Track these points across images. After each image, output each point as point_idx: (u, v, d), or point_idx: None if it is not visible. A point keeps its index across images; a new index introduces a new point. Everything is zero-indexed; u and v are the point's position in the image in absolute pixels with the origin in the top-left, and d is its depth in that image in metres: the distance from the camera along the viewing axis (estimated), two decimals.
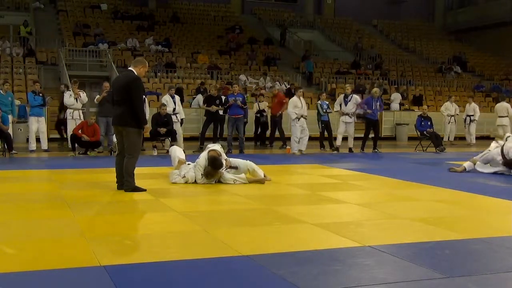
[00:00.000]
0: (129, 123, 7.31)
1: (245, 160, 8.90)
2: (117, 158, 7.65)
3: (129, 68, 7.61)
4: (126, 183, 7.35)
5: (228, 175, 8.34)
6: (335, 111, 15.26)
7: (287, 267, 3.90)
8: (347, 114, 14.67)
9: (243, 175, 8.50)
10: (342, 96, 15.17)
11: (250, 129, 17.54)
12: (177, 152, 9.05)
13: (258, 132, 17.48)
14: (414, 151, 15.77)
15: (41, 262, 3.97)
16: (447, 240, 4.82)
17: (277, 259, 4.10)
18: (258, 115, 17.01)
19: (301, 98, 14.27)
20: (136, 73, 7.43)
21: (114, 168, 7.60)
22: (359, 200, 6.95)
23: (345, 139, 15.06)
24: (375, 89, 15.59)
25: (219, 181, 8.28)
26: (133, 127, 7.33)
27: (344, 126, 14.78)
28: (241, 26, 30.56)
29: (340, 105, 14.86)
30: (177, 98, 14.61)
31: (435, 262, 4.09)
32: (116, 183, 7.57)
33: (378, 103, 14.95)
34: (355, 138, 15.10)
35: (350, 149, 14.84)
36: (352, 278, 3.78)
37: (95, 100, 14.10)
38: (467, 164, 10.36)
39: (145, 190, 7.33)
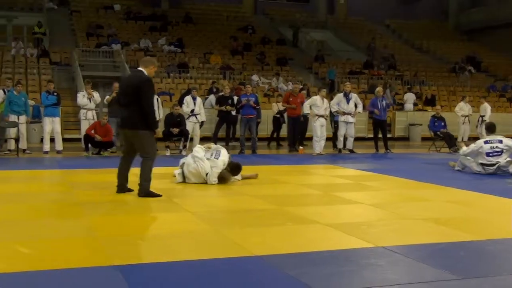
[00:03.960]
0: (140, 126, 6.88)
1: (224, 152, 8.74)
2: (121, 160, 7.23)
3: (139, 68, 7.19)
4: (140, 187, 6.93)
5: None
6: (333, 112, 14.61)
7: (299, 267, 3.90)
8: (348, 113, 14.34)
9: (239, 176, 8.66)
10: (340, 95, 14.71)
11: (263, 129, 17.52)
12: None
13: (274, 133, 17.35)
14: (427, 152, 15.69)
15: (54, 262, 3.99)
16: (461, 241, 4.79)
17: (289, 260, 4.10)
18: (278, 115, 16.89)
19: (324, 99, 14.09)
20: (146, 74, 7.06)
21: (135, 169, 7.28)
22: (372, 201, 6.93)
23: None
24: (378, 89, 15.50)
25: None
26: (144, 130, 6.90)
27: (345, 127, 14.38)
28: (254, 26, 30.58)
29: (338, 104, 14.35)
30: (198, 100, 14.53)
31: (449, 263, 4.06)
32: (117, 186, 7.16)
33: (384, 102, 14.86)
34: (367, 139, 15.02)
35: (351, 150, 14.54)
36: (365, 279, 3.76)
37: (105, 100, 14.15)
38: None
39: (160, 195, 6.94)
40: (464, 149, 10.47)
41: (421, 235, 5.05)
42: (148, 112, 6.88)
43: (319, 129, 13.80)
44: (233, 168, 8.44)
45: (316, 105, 13.85)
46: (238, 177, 8.60)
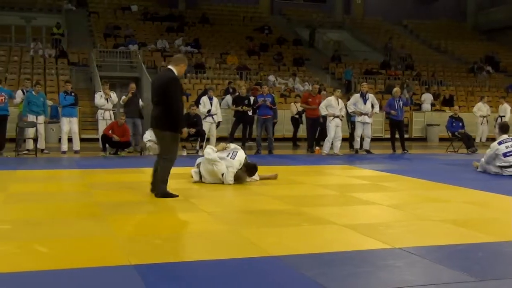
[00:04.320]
0: (164, 126, 6.88)
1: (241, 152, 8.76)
2: (156, 161, 7.23)
3: (169, 67, 7.13)
4: (157, 188, 6.96)
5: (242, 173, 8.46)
6: (350, 112, 14.57)
7: (316, 268, 3.89)
8: (365, 114, 14.28)
9: (256, 174, 8.63)
10: (357, 95, 14.63)
11: (279, 129, 17.49)
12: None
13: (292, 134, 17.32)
14: (445, 152, 15.58)
15: (72, 261, 4.02)
16: (479, 243, 4.74)
17: (306, 260, 4.09)
18: (297, 116, 16.83)
19: (339, 99, 14.02)
20: (176, 72, 6.98)
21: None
22: (389, 201, 6.89)
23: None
24: (395, 89, 15.40)
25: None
26: (168, 131, 6.87)
27: (362, 127, 14.35)
28: (270, 26, 30.58)
29: (355, 104, 14.33)
30: (215, 100, 14.56)
31: (467, 265, 4.03)
32: (151, 183, 7.18)
33: (401, 103, 14.77)
34: (384, 140, 14.95)
35: (368, 151, 14.49)
36: (382, 280, 3.74)
37: (121, 101, 14.23)
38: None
39: (177, 196, 6.93)
40: (482, 162, 10.29)
41: (439, 236, 5.02)
42: (172, 111, 6.83)
43: (333, 129, 13.75)
44: (249, 169, 8.46)
45: (331, 106, 13.79)
46: (256, 177, 8.60)
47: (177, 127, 6.92)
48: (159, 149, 7.23)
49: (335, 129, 13.75)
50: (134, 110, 14.11)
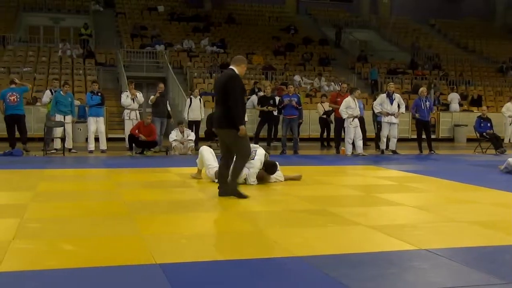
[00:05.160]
0: (226, 124, 6.85)
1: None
2: (221, 161, 7.23)
3: (230, 67, 7.15)
4: (228, 185, 6.94)
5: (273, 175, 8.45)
6: (377, 112, 14.49)
7: (340, 269, 3.87)
8: (392, 114, 14.15)
9: (280, 174, 8.58)
10: (383, 95, 14.50)
11: (304, 130, 17.44)
12: (205, 156, 8.62)
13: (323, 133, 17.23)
14: (473, 153, 15.39)
15: (98, 259, 4.06)
16: (507, 245, 4.68)
17: (330, 261, 4.07)
18: (325, 116, 16.78)
19: (355, 99, 13.96)
20: (237, 72, 7.00)
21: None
22: (415, 202, 6.83)
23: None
24: (422, 89, 15.24)
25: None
26: (229, 128, 6.84)
27: (388, 128, 14.22)
28: (296, 26, 30.54)
29: (382, 104, 14.23)
30: None
31: (494, 267, 3.97)
32: (218, 188, 7.12)
33: (427, 103, 14.62)
34: (410, 140, 14.81)
35: (394, 151, 14.37)
36: (407, 282, 3.71)
37: (149, 101, 14.33)
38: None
39: (247, 197, 6.89)
40: (509, 161, 10.12)
41: (466, 238, 4.96)
42: (231, 108, 6.80)
43: (353, 130, 13.64)
44: (268, 167, 8.34)
45: (350, 107, 13.69)
46: (281, 178, 8.57)
47: (236, 123, 6.81)
48: (234, 150, 7.01)
49: (354, 130, 13.66)
50: (163, 109, 14.21)
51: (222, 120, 6.91)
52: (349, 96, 13.98)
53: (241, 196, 6.85)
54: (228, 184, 6.95)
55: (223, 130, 6.98)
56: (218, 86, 7.21)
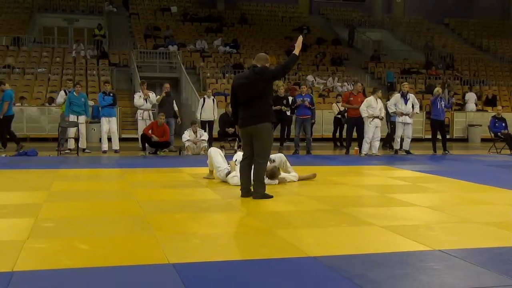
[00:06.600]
0: (258, 120, 6.78)
1: (279, 154, 8.86)
2: (241, 163, 7.19)
3: (253, 64, 7.07)
4: (256, 190, 6.90)
5: (283, 174, 8.43)
6: (391, 112, 14.46)
7: (354, 269, 3.86)
8: (406, 114, 14.08)
9: (295, 174, 8.59)
10: (398, 95, 14.45)
11: (317, 130, 17.39)
12: (214, 158, 8.59)
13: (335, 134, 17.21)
14: (487, 153, 15.28)
15: (112, 259, 4.08)
16: None
17: (344, 261, 4.06)
18: (339, 116, 16.73)
19: (378, 99, 13.86)
20: None
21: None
22: (429, 203, 6.79)
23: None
24: (437, 89, 15.16)
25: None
26: (263, 123, 6.77)
27: (402, 128, 14.18)
28: (309, 26, 30.51)
29: (396, 104, 14.18)
30: None
31: (508, 268, 3.94)
32: (240, 190, 7.11)
33: (442, 103, 14.53)
34: (424, 140, 14.73)
35: (408, 151, 14.32)
36: (421, 283, 3.69)
37: (155, 100, 14.37)
38: None
39: (271, 196, 6.92)
40: None
41: (481, 239, 4.92)
42: (286, 66, 6.92)
43: (372, 130, 13.59)
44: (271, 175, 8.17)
45: (371, 106, 13.63)
46: (295, 178, 8.56)
47: (270, 118, 6.86)
48: (255, 149, 6.91)
49: (374, 130, 13.60)
50: (169, 109, 14.27)
51: (254, 116, 6.77)
52: (371, 96, 13.92)
53: (268, 197, 6.88)
54: (254, 187, 6.93)
55: (256, 126, 6.78)
56: (245, 84, 6.89)
